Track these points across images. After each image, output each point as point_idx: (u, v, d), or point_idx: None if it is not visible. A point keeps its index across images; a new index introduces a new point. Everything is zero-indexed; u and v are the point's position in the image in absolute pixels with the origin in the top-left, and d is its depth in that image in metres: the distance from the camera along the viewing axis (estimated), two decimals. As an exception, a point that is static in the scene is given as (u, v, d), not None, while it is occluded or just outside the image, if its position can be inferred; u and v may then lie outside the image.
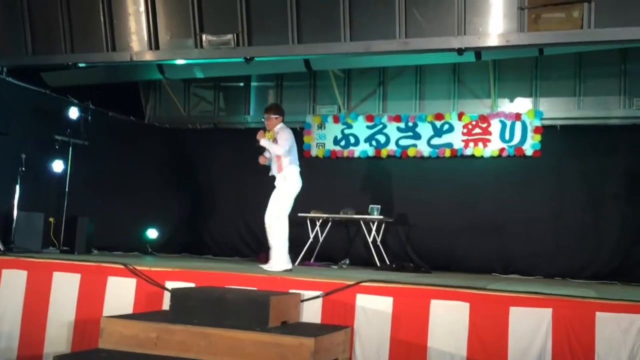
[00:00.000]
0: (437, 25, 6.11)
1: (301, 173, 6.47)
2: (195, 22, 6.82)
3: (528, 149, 8.63)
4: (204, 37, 6.77)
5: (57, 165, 8.07)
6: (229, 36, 6.67)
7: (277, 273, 5.69)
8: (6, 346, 5.70)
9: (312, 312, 4.99)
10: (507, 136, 8.75)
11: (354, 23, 6.29)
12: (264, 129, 6.51)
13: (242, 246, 9.77)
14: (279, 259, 6.15)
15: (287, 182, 6.29)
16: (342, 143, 9.50)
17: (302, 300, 5.01)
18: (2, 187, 7.39)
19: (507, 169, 8.71)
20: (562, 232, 8.36)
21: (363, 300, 4.88)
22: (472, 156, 8.86)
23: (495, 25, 6.01)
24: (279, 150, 6.26)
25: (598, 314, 4.33)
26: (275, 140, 6.34)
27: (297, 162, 6.44)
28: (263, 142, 6.35)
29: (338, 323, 4.87)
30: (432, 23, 6.11)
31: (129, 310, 5.39)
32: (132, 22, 7.15)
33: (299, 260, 8.18)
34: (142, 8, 7.07)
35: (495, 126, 8.82)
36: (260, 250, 8.54)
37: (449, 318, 4.64)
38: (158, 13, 7.06)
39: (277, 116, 6.47)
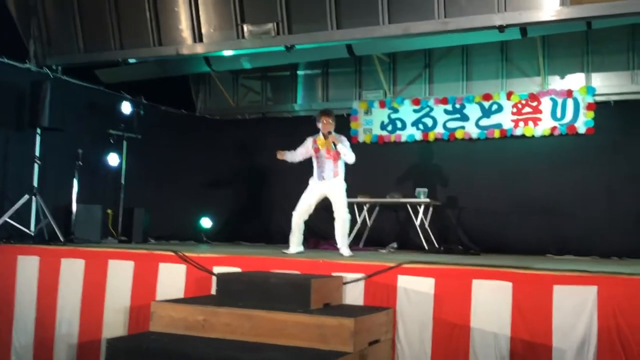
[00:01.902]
0: (477, 3, 6.03)
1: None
2: (236, 13, 6.96)
3: (581, 127, 8.40)
4: (245, 27, 6.90)
5: (113, 159, 8.37)
6: (270, 25, 6.77)
7: (347, 258, 5.80)
8: (67, 332, 5.99)
9: (354, 294, 5.03)
10: (558, 114, 8.54)
11: (392, 5, 6.27)
12: (318, 132, 6.46)
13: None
14: (347, 243, 6.41)
15: (345, 183, 6.46)
16: (389, 128, 9.47)
17: (344, 283, 5.06)
18: (61, 181, 7.74)
19: (559, 148, 8.49)
20: (618, 211, 8.10)
21: (405, 282, 4.89)
22: (523, 136, 8.69)
23: (536, 0, 5.87)
24: (353, 158, 6.35)
25: (646, 290, 4.20)
26: (337, 144, 6.35)
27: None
28: (339, 147, 6.31)
29: (380, 305, 4.89)
30: (472, 1, 6.02)
31: (180, 295, 5.56)
32: (176, 16, 7.34)
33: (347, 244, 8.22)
34: (185, 2, 7.25)
35: (545, 104, 8.61)
36: (310, 236, 8.65)
37: (491, 298, 4.60)
38: (201, 6, 7.23)
39: (334, 121, 6.47)
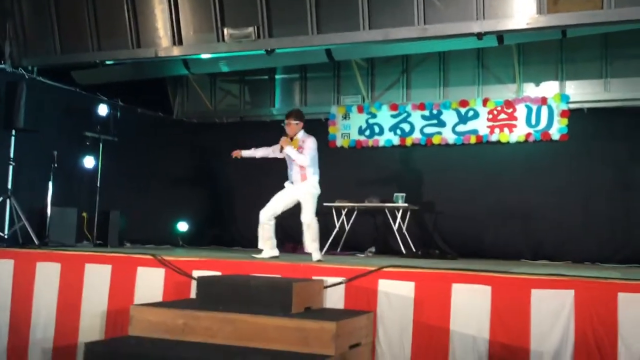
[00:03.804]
0: (456, 10, 6.10)
1: (320, 172, 6.40)
2: (216, 16, 6.93)
3: (555, 134, 8.55)
4: (225, 30, 6.87)
5: (89, 162, 8.28)
6: (250, 29, 6.76)
7: (330, 262, 5.75)
8: (42, 336, 5.89)
9: (335, 298, 5.04)
10: (533, 121, 8.68)
11: (372, 11, 6.31)
12: (286, 134, 6.36)
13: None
14: (318, 247, 6.28)
15: (315, 189, 6.29)
16: (367, 133, 9.53)
17: (325, 287, 5.06)
18: (36, 183, 7.62)
19: (534, 154, 8.64)
20: (591, 217, 8.26)
21: (385, 286, 4.91)
22: (498, 142, 8.82)
23: (514, 8, 5.98)
24: (305, 161, 6.19)
25: (621, 294, 4.29)
26: (300, 149, 6.25)
27: (318, 172, 6.35)
28: (288, 150, 6.24)
29: (361, 308, 4.91)
30: (451, 8, 6.10)
31: (158, 299, 5.51)
32: (156, 18, 7.29)
33: (325, 249, 8.24)
34: (165, 4, 7.20)
35: (520, 111, 8.75)
36: (285, 241, 8.64)
37: (470, 301, 4.65)
38: (181, 8, 7.18)
39: (297, 122, 6.32)
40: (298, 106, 10.16)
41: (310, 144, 6.27)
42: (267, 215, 6.32)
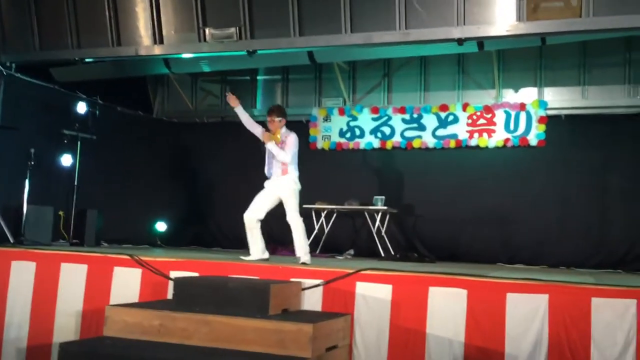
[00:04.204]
0: (437, 16, 6.15)
1: (300, 174, 6.36)
2: (198, 16, 6.91)
3: (533, 139, 8.65)
4: (207, 30, 6.86)
5: (66, 160, 8.19)
6: (232, 29, 6.75)
7: (310, 265, 5.74)
8: (16, 336, 5.82)
9: (313, 300, 5.05)
10: (511, 126, 8.77)
11: (355, 15, 6.34)
12: (268, 130, 6.36)
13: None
14: (307, 249, 6.19)
15: (296, 184, 6.26)
16: (348, 135, 9.56)
17: (303, 289, 5.07)
18: (12, 181, 7.51)
19: (512, 160, 8.74)
20: (567, 222, 8.38)
21: (363, 288, 4.94)
22: (477, 147, 8.90)
23: (494, 15, 6.05)
24: (286, 157, 6.17)
25: (594, 299, 4.35)
26: (282, 144, 6.24)
27: (297, 169, 6.33)
28: (270, 145, 6.23)
29: (339, 311, 4.93)
30: (432, 14, 6.15)
31: (135, 299, 5.48)
32: (137, 16, 7.24)
33: (304, 251, 8.26)
34: (146, 3, 7.16)
35: (499, 117, 8.84)
36: (268, 242, 8.63)
37: (447, 305, 4.69)
38: (162, 7, 7.15)
39: (280, 119, 6.31)
40: (279, 107, 10.20)
41: (292, 141, 6.25)
42: (253, 218, 6.27)
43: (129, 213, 9.19)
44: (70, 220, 7.99)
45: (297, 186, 6.28)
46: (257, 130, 6.42)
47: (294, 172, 6.26)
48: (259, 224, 6.31)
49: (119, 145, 9.22)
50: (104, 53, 7.52)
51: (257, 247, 6.32)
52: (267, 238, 7.87)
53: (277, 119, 6.30)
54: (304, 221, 8.34)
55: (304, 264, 5.88)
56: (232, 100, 6.48)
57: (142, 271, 5.60)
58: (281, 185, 6.22)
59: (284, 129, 6.34)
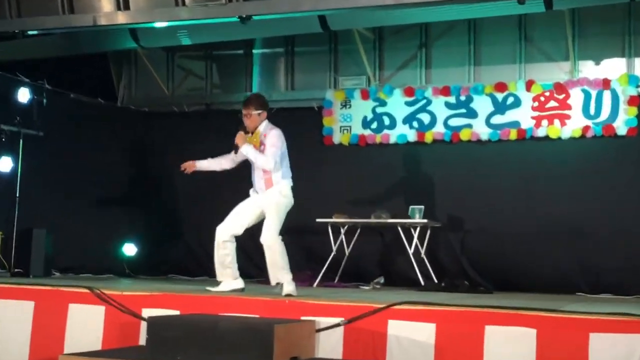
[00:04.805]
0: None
1: (293, 186, 6.36)
2: (174, -28, 6.95)
3: (621, 127, 8.59)
4: (186, -9, 6.89)
5: (5, 164, 8.26)
6: (219, -11, 6.79)
7: (293, 297, 5.75)
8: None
9: (331, 344, 5.04)
10: (592, 110, 8.72)
11: (381, -37, 6.35)
12: (244, 128, 6.30)
13: (246, 263, 9.83)
14: (288, 279, 6.15)
15: (285, 197, 6.22)
16: (374, 125, 9.55)
17: (318, 330, 5.06)
18: None
19: (593, 154, 8.68)
20: (669, 236, 8.31)
21: (397, 328, 4.92)
22: (546, 138, 8.85)
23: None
24: (268, 163, 6.12)
25: None
26: (261, 145, 6.21)
27: (290, 175, 6.32)
28: (245, 149, 6.17)
29: (365, 358, 4.91)
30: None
31: (97, 346, 5.48)
32: (94, -25, 7.30)
33: (318, 279, 8.25)
34: (106, -44, 7.23)
35: (576, 97, 8.78)
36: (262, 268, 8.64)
37: (510, 349, 4.65)
38: (127, -38, 7.21)
39: (260, 111, 6.28)
40: (283, 90, 10.21)
41: (274, 139, 6.20)
42: (226, 234, 6.26)
43: (87, 233, 9.23)
44: (11, 243, 8.04)
45: (286, 200, 6.24)
46: (221, 160, 6.57)
47: (281, 183, 6.23)
48: (233, 243, 6.30)
49: (73, 144, 9.28)
50: (52, 23, 7.58)
51: (228, 272, 6.30)
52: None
53: (255, 112, 6.27)
54: (319, 240, 8.49)
55: (288, 295, 5.85)
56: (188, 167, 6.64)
57: (105, 309, 5.62)
58: (265, 200, 6.24)
59: (264, 125, 6.29)
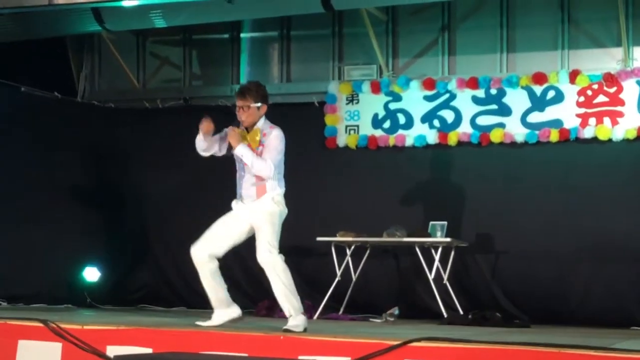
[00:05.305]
0: None
1: (287, 200, 6.29)
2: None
3: (684, 127, 8.63)
4: (160, -37, 6.91)
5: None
6: (200, -39, 6.80)
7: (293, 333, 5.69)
8: None
9: (335, 389, 5.03)
10: (649, 107, 8.75)
11: None
12: (238, 124, 6.21)
13: (233, 291, 9.79)
14: (299, 307, 6.10)
15: (278, 205, 6.18)
16: (387, 125, 9.57)
17: (320, 372, 5.05)
18: None
19: (652, 160, 8.69)
20: None
21: (415, 371, 4.92)
22: (594, 140, 8.87)
23: None
24: (266, 171, 6.06)
25: None
26: (259, 146, 6.14)
27: (284, 183, 6.26)
28: (241, 150, 6.08)
29: (376, 406, 4.91)
30: None
31: (52, 391, 5.49)
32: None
33: (320, 310, 8.23)
34: None
35: (630, 91, 8.80)
36: (259, 298, 8.62)
37: (552, 396, 4.65)
38: None
39: (260, 104, 6.17)
40: (277, 82, 10.20)
41: (277, 142, 6.16)
42: (200, 255, 6.21)
43: (40, 254, 9.24)
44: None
45: (280, 207, 6.20)
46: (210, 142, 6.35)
47: (275, 190, 6.20)
48: (215, 264, 6.24)
49: (23, 146, 9.30)
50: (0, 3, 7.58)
51: (221, 298, 6.33)
52: (254, 290, 7.87)
53: (254, 105, 6.18)
54: (321, 262, 8.46)
55: (287, 330, 5.74)
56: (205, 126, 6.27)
57: (62, 346, 5.58)
58: (255, 211, 6.16)
59: (262, 121, 6.24)
